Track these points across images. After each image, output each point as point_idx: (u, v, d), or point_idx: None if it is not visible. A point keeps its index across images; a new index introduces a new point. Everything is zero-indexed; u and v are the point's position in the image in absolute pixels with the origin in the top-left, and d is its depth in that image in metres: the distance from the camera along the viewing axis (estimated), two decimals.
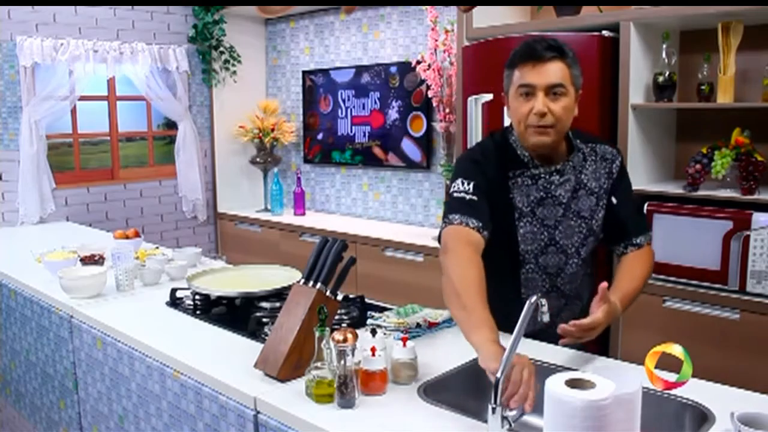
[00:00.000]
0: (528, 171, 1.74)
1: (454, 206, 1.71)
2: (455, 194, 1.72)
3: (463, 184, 1.72)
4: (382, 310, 2.03)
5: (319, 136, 4.86)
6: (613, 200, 1.79)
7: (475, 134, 3.13)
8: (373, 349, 1.46)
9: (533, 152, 1.73)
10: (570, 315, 1.80)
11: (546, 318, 1.43)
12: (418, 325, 1.86)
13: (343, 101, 4.64)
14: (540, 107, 1.63)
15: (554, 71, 1.63)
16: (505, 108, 1.77)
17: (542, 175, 1.73)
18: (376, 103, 4.43)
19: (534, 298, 1.34)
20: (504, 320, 1.54)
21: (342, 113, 4.67)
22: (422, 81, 3.93)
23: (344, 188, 4.80)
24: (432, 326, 1.89)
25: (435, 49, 3.75)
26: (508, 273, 1.78)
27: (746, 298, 2.51)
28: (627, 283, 1.71)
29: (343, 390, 1.40)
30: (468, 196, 1.69)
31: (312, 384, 1.44)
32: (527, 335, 1.76)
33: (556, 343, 1.72)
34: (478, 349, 1.40)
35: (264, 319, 1.92)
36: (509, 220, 1.74)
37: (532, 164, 1.74)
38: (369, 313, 1.95)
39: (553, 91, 1.63)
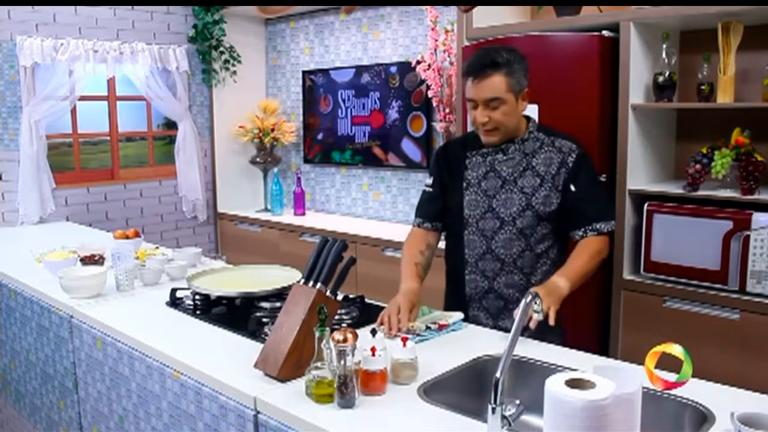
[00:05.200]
0: (480, 151, 2.07)
1: (419, 202, 2.20)
2: (424, 187, 2.19)
3: (429, 177, 2.18)
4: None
5: (319, 136, 4.86)
6: (572, 188, 1.98)
7: None
8: (373, 349, 1.46)
9: None
10: (508, 281, 2.04)
11: (539, 317, 1.54)
12: (428, 328, 1.86)
13: (343, 101, 4.64)
14: (480, 119, 1.95)
15: (491, 86, 1.91)
16: None
17: (490, 154, 2.05)
18: (376, 103, 4.43)
19: (530, 298, 1.41)
20: (457, 282, 2.10)
21: (342, 113, 4.66)
22: (422, 81, 3.93)
23: (344, 188, 4.80)
24: (442, 328, 1.88)
25: (435, 49, 3.75)
26: (457, 235, 2.09)
27: (746, 298, 2.51)
28: (571, 262, 1.94)
29: (343, 390, 1.40)
30: (428, 189, 2.16)
31: (312, 384, 1.44)
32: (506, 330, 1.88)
33: (533, 337, 1.84)
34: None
35: (264, 319, 1.92)
36: (459, 190, 2.07)
37: (483, 146, 2.06)
38: (378, 327, 1.94)
39: (491, 104, 1.93)
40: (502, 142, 2.01)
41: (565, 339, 2.05)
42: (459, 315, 1.95)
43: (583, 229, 1.98)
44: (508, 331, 1.86)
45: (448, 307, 2.14)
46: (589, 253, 1.94)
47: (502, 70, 1.91)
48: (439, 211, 2.13)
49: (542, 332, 1.95)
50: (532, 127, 2.04)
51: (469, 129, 3.17)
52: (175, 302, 2.22)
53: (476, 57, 1.96)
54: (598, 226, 1.97)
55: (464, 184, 2.06)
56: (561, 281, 1.86)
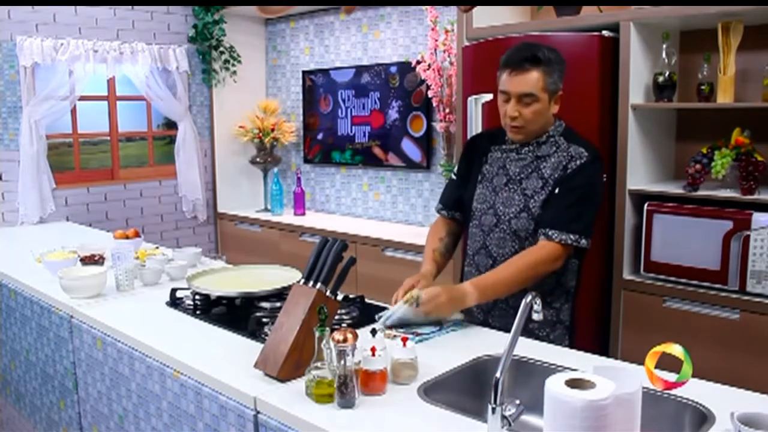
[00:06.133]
0: (501, 147, 2.05)
1: (444, 187, 2.25)
2: (452, 174, 2.21)
3: (457, 164, 2.20)
4: (384, 310, 2.01)
5: (319, 136, 4.86)
6: (556, 191, 1.92)
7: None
8: (373, 349, 1.46)
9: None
10: None
11: (538, 316, 1.51)
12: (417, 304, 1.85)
13: (343, 101, 4.64)
14: (511, 113, 1.91)
15: (527, 81, 1.86)
16: None
17: (505, 151, 2.04)
18: (376, 103, 4.43)
19: (529, 298, 1.40)
20: (462, 271, 2.15)
21: (342, 113, 4.67)
22: (422, 81, 3.93)
23: (344, 188, 4.80)
24: (442, 326, 1.88)
25: (435, 49, 3.75)
26: (468, 226, 2.11)
27: (746, 298, 2.51)
28: (497, 271, 1.89)
29: (343, 390, 1.40)
30: (453, 177, 2.19)
31: (312, 384, 1.44)
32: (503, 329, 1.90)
33: (534, 337, 1.89)
34: None
35: (264, 319, 1.92)
36: (474, 182, 2.09)
37: (505, 142, 2.04)
38: (377, 315, 1.94)
39: (524, 100, 1.88)
40: (525, 142, 1.98)
41: (574, 336, 2.04)
42: (458, 315, 1.95)
43: (540, 231, 1.89)
44: (502, 329, 1.89)
45: None
46: (524, 262, 1.85)
47: (541, 67, 1.86)
48: (456, 200, 2.15)
49: (550, 329, 1.97)
50: (554, 131, 1.97)
51: (470, 128, 3.20)
52: (175, 302, 2.22)
53: (517, 50, 1.90)
54: (549, 233, 1.86)
55: (479, 177, 2.07)
56: (470, 292, 1.82)
